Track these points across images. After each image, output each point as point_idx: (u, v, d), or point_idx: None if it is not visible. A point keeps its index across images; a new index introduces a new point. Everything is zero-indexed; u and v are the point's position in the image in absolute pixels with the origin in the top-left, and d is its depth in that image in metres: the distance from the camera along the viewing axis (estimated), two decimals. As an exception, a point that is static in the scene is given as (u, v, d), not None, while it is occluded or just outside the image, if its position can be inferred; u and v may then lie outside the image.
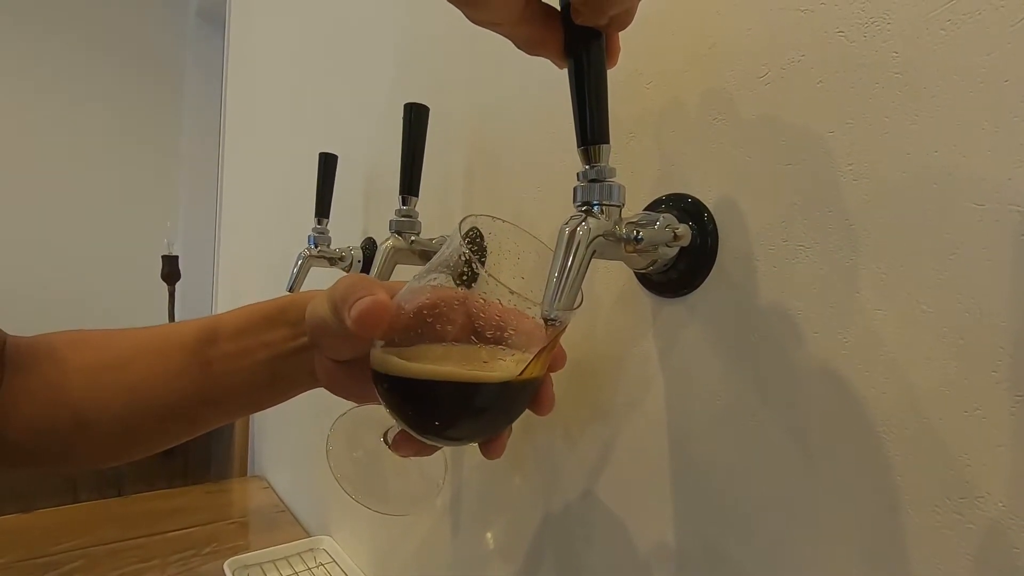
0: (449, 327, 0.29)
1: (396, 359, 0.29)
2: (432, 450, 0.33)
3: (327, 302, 0.31)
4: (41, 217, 2.35)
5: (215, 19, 2.39)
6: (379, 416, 0.33)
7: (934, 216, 0.27)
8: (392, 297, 0.29)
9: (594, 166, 0.33)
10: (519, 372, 0.28)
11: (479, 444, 0.32)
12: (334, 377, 0.35)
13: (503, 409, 0.30)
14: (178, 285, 1.48)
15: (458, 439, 0.31)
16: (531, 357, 0.28)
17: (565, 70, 0.33)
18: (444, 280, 0.28)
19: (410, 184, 0.57)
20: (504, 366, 0.28)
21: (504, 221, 0.32)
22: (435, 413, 0.29)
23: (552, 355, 0.31)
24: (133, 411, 0.34)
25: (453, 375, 0.28)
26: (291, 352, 0.35)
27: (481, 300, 0.28)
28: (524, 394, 0.30)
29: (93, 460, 0.35)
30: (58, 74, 2.38)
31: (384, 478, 0.35)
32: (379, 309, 0.28)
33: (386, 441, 0.32)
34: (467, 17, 0.30)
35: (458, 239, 0.28)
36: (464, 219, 0.30)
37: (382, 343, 0.29)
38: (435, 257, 0.30)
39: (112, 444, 0.34)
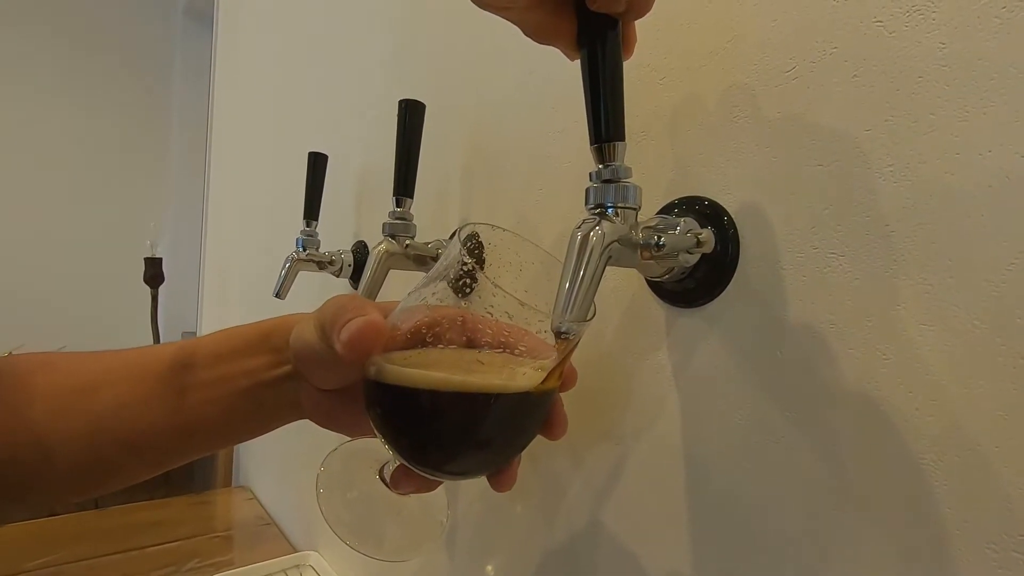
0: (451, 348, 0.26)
1: (398, 367, 0.25)
2: (434, 485, 0.29)
3: (314, 325, 0.28)
4: (22, 216, 2.29)
5: (203, 17, 2.35)
6: (373, 450, 0.30)
7: (988, 222, 0.25)
8: (385, 317, 0.26)
9: (608, 165, 0.30)
10: (540, 381, 0.25)
11: (488, 475, 0.29)
12: (322, 408, 0.32)
13: (519, 428, 0.27)
14: (162, 288, 1.43)
15: (465, 471, 0.28)
16: (551, 365, 0.25)
17: (575, 62, 0.30)
18: (443, 293, 0.25)
19: (405, 185, 0.54)
20: (522, 375, 0.25)
21: (504, 230, 0.29)
22: (442, 435, 0.26)
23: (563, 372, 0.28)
24: (101, 441, 0.31)
25: (467, 385, 0.24)
26: (273, 381, 0.32)
27: (483, 317, 0.25)
28: (540, 411, 0.27)
29: (58, 495, 0.32)
30: (43, 71, 2.33)
31: (383, 520, 0.31)
32: (372, 330, 0.25)
33: (383, 478, 0.29)
34: (473, 1, 0.27)
35: (457, 248, 0.25)
36: (462, 227, 0.27)
37: (375, 366, 0.26)
38: (432, 270, 0.27)
39: (78, 477, 0.31)
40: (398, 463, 0.28)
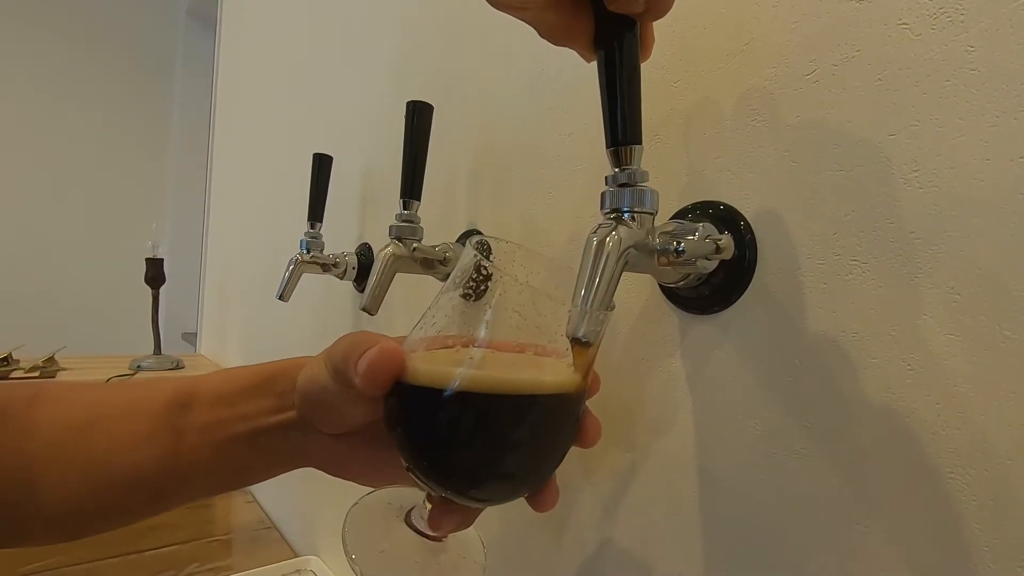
0: None
1: (426, 366, 0.24)
2: (473, 517, 0.28)
3: (325, 365, 0.28)
4: (23, 216, 2.28)
5: (206, 18, 2.35)
6: (395, 498, 0.29)
7: (1021, 230, 0.24)
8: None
9: (625, 169, 0.29)
10: (581, 379, 0.24)
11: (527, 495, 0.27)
12: (333, 455, 0.31)
13: (560, 431, 0.26)
14: (163, 289, 1.42)
15: (501, 490, 0.26)
16: (585, 364, 0.24)
17: (587, 64, 0.29)
18: (462, 304, 0.25)
19: (412, 188, 0.53)
20: (557, 373, 0.24)
21: (507, 241, 0.29)
22: (483, 442, 0.24)
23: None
24: (93, 483, 0.29)
25: (503, 383, 0.23)
26: (273, 428, 0.31)
27: (502, 341, 0.24)
28: (577, 413, 0.26)
29: (45, 536, 0.30)
30: (45, 72, 2.32)
31: (421, 570, 0.29)
32: (389, 357, 0.24)
33: (412, 524, 0.27)
34: (488, 1, 0.26)
35: (471, 255, 0.25)
36: (468, 240, 0.26)
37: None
38: (444, 286, 0.26)
39: (65, 517, 0.30)
40: (430, 506, 0.26)
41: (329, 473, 0.32)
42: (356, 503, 0.29)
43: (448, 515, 0.27)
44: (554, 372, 0.24)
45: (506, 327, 0.24)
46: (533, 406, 0.24)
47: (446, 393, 0.23)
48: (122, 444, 0.30)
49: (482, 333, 0.23)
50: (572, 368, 0.24)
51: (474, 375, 0.23)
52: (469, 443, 0.24)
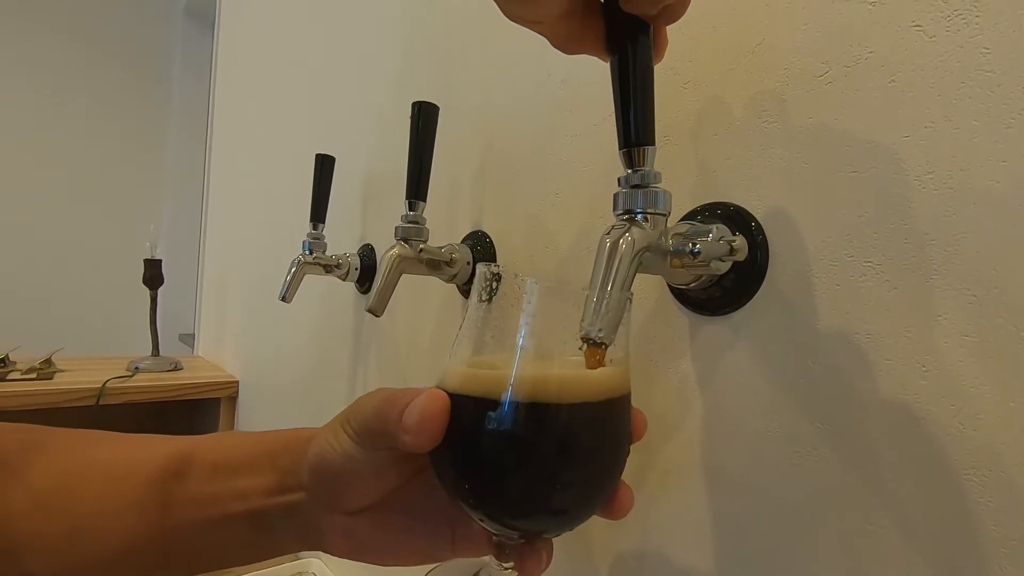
0: None
1: (486, 372, 0.23)
2: (552, 553, 0.26)
3: (343, 430, 0.26)
4: (21, 216, 2.27)
5: (204, 17, 2.34)
6: (458, 570, 0.27)
7: (1037, 232, 0.24)
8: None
9: (637, 170, 0.29)
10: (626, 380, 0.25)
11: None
12: (352, 535, 0.28)
13: (627, 430, 0.25)
14: (161, 290, 1.42)
15: (585, 505, 0.24)
16: (624, 363, 0.25)
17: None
18: (481, 310, 0.24)
19: (417, 188, 0.53)
20: (612, 371, 0.24)
21: (504, 268, 0.29)
22: (568, 457, 0.22)
23: None
24: (75, 548, 0.27)
25: (575, 385, 0.22)
26: (276, 509, 0.28)
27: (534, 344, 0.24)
28: (630, 412, 0.26)
29: None
30: (42, 70, 2.31)
31: None
32: (439, 404, 0.23)
33: None
34: (503, 12, 0.26)
35: (482, 268, 0.25)
36: (477, 267, 0.26)
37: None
38: (468, 308, 0.26)
39: None
40: (507, 563, 0.25)
41: (348, 557, 0.29)
42: None
43: (538, 553, 0.25)
44: (610, 372, 0.24)
45: (539, 330, 0.23)
46: (607, 406, 0.24)
47: (516, 401, 0.22)
48: (106, 513, 0.28)
49: (521, 340, 0.23)
50: (618, 370, 0.24)
51: (561, 375, 0.23)
52: (553, 458, 0.22)
